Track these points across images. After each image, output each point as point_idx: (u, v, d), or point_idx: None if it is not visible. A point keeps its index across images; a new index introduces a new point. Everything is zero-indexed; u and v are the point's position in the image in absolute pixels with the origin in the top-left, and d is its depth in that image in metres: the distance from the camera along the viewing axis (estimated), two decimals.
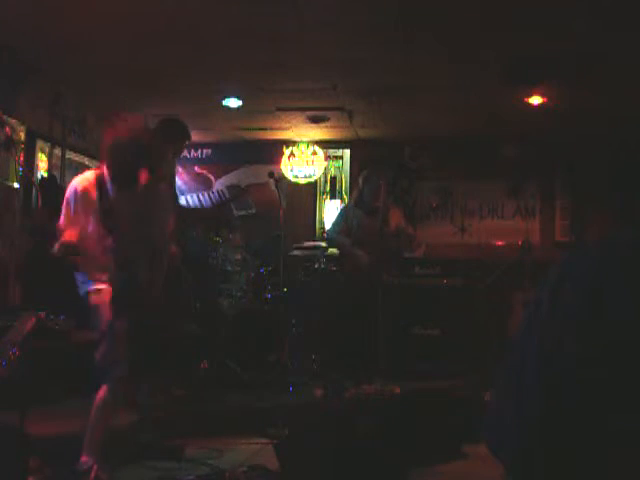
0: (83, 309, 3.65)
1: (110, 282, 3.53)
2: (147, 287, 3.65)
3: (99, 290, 3.54)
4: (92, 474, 3.34)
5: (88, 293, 3.56)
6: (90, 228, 3.53)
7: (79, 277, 3.61)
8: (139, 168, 3.67)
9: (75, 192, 3.55)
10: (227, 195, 9.14)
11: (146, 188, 3.74)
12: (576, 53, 5.52)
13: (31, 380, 4.01)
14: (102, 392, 3.48)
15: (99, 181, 3.60)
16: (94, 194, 3.56)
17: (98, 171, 3.66)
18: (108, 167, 3.59)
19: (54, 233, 3.51)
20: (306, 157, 8.55)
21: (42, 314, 4.75)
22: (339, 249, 6.16)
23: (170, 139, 4.77)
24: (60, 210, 3.62)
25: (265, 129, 8.34)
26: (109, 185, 3.59)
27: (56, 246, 3.43)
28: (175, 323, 4.57)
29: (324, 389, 5.33)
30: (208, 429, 4.41)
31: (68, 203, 3.56)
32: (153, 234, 3.79)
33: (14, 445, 3.11)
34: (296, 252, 7.34)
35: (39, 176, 6.21)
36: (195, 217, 6.81)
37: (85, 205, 3.53)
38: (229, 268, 6.40)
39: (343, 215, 6.04)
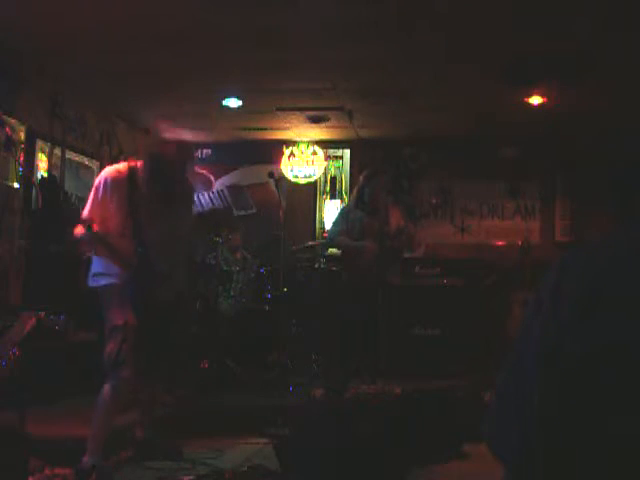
0: (88, 305, 3.64)
1: (127, 279, 3.52)
2: (164, 286, 3.65)
3: (115, 285, 3.52)
4: (93, 474, 3.34)
5: (103, 286, 3.54)
6: (115, 219, 3.52)
7: (96, 268, 3.58)
8: (180, 181, 3.71)
9: (105, 180, 3.54)
10: (227, 195, 9.14)
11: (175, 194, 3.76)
12: (576, 53, 5.53)
13: (31, 380, 4.01)
14: (105, 391, 3.47)
15: (131, 174, 3.60)
16: (124, 185, 3.55)
17: (131, 164, 3.66)
18: (147, 175, 3.57)
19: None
20: (306, 157, 8.55)
21: (42, 314, 4.76)
22: (341, 248, 6.12)
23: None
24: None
25: (265, 129, 8.34)
26: (141, 180, 3.60)
27: (77, 229, 3.42)
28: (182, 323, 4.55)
29: (324, 389, 5.33)
30: (208, 429, 4.41)
31: (97, 190, 3.53)
32: (175, 234, 3.79)
33: (14, 445, 3.11)
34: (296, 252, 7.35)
35: (39, 176, 6.21)
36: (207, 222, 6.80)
37: (114, 194, 3.52)
38: (229, 268, 6.40)
39: (344, 215, 6.01)
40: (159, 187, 3.60)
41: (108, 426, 3.51)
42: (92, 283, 3.59)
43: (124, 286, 3.51)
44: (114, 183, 3.53)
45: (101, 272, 3.55)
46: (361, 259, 5.64)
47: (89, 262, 3.65)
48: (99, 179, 3.58)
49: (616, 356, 0.89)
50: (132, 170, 3.61)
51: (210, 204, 9.01)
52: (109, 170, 3.64)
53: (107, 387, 3.47)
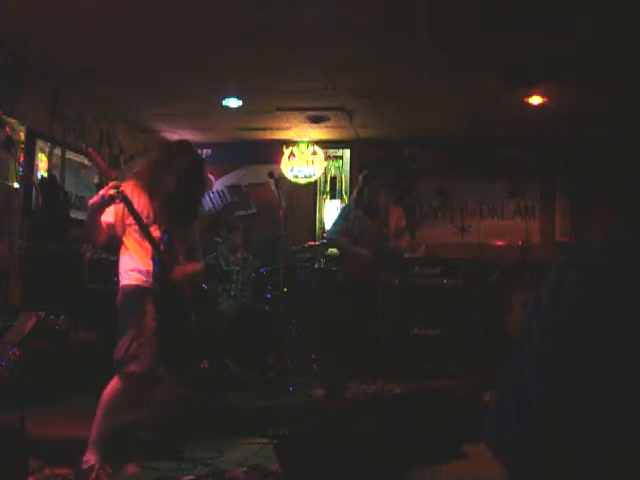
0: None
1: (150, 279, 3.56)
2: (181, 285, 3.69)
3: (134, 285, 3.55)
4: (94, 474, 3.34)
5: (125, 286, 3.58)
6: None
7: (123, 265, 3.62)
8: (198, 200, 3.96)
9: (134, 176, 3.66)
10: (227, 195, 9.14)
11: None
12: (576, 53, 5.52)
13: (31, 380, 4.01)
14: (112, 387, 3.47)
15: (143, 181, 3.74)
16: (141, 190, 3.68)
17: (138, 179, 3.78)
18: (181, 172, 3.75)
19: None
20: (306, 157, 8.55)
21: (42, 314, 4.77)
22: (340, 249, 6.14)
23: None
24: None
25: (265, 129, 8.34)
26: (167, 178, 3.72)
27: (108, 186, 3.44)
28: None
29: (324, 389, 5.33)
30: (208, 429, 4.40)
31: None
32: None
33: (14, 445, 3.11)
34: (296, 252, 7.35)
35: (39, 176, 6.21)
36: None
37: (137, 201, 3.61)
38: (229, 268, 6.39)
39: (344, 215, 6.02)
40: (188, 188, 3.83)
41: (111, 423, 3.50)
42: (120, 282, 3.64)
43: (145, 289, 3.55)
44: (131, 191, 3.60)
45: (126, 269, 3.59)
46: (357, 264, 5.66)
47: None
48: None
49: (617, 355, 0.89)
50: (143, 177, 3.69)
51: (220, 202, 9.05)
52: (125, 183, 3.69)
53: (114, 383, 3.47)
